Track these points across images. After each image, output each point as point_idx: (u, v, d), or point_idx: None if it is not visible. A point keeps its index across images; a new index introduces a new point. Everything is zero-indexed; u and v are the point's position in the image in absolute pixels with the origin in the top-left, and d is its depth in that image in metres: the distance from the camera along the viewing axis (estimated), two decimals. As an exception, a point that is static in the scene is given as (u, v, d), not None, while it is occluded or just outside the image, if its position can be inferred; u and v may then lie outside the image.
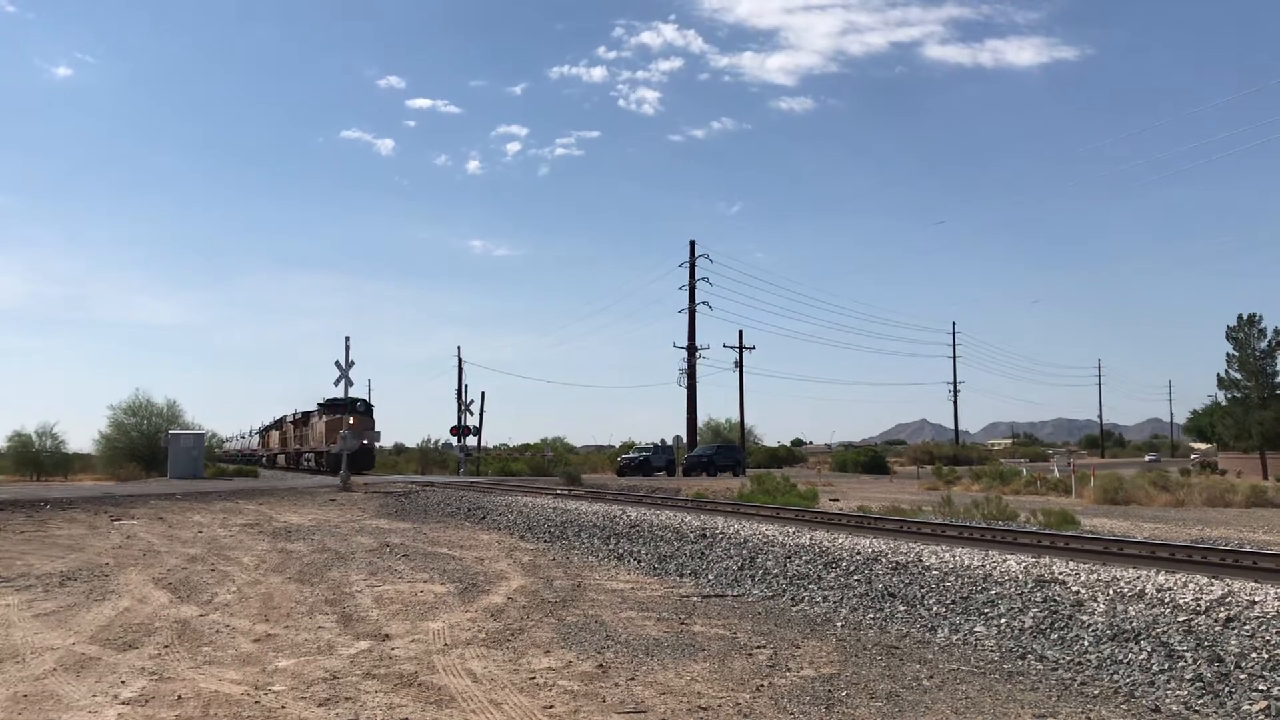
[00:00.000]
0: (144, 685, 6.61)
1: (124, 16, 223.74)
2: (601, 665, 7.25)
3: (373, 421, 51.33)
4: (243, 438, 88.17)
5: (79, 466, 45.93)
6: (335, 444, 47.34)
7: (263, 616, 9.26)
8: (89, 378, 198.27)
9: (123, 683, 6.70)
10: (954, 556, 11.00)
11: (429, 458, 65.76)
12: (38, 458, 43.90)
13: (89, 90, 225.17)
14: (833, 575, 10.91)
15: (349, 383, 33.94)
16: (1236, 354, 57.70)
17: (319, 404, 50.91)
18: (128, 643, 8.05)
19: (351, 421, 47.69)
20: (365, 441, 49.92)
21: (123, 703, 6.19)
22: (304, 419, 55.70)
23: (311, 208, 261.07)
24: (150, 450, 45.19)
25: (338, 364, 33.49)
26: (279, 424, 67.03)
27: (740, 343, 60.02)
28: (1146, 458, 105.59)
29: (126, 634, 8.41)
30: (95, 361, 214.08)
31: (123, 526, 18.98)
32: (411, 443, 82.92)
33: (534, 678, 6.85)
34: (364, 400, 51.24)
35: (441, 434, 70.09)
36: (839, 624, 9.12)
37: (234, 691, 6.44)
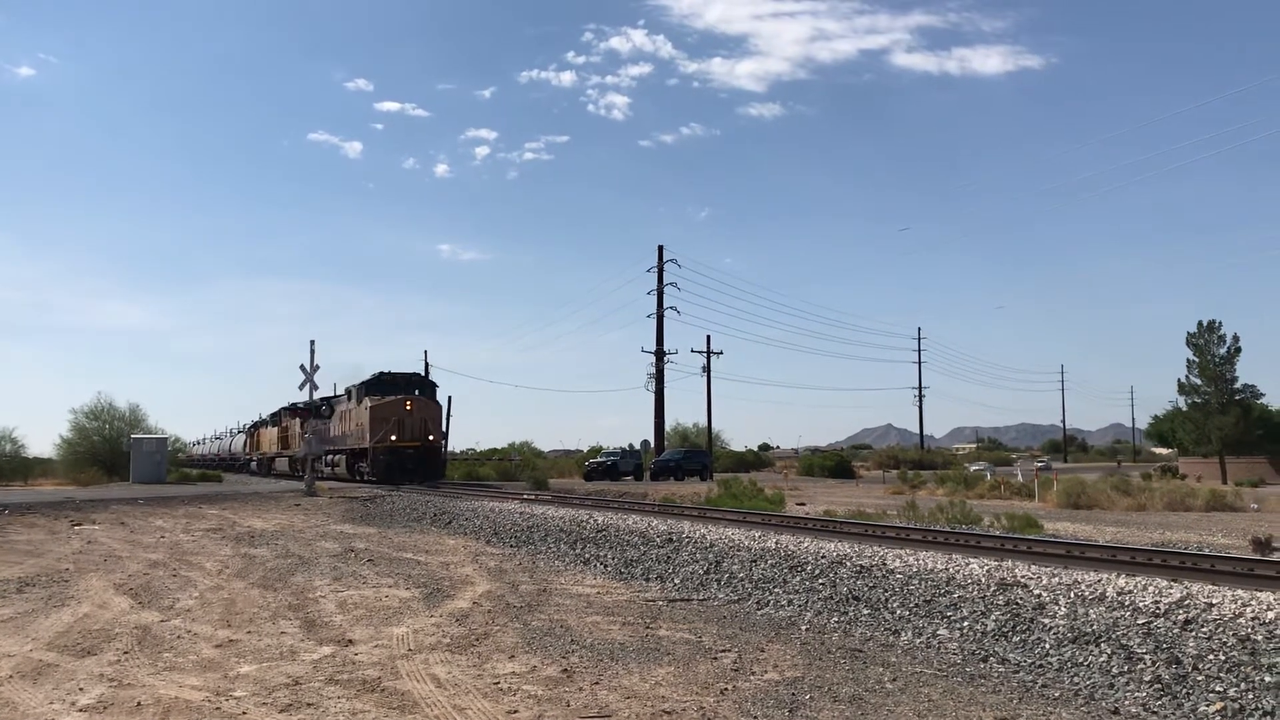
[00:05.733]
0: (102, 692, 6.53)
1: (88, 17, 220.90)
2: (566, 670, 7.24)
3: (439, 408, 38.33)
4: (216, 439, 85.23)
5: (39, 471, 45.11)
6: (400, 440, 35.45)
7: (225, 622, 9.17)
8: (50, 382, 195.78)
9: (81, 689, 6.60)
10: (918, 560, 11.09)
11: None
12: (-4, 462, 43.11)
13: (52, 91, 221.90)
14: (798, 579, 10.96)
15: (314, 386, 33.56)
16: (1197, 360, 58.72)
17: (355, 385, 38.51)
18: (87, 649, 7.94)
19: (409, 405, 36.11)
20: (431, 438, 36.80)
21: (80, 710, 6.10)
22: (317, 409, 41.35)
23: (278, 210, 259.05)
24: (112, 455, 44.60)
25: (303, 368, 33.15)
26: (277, 418, 53.30)
27: (708, 347, 60.19)
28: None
29: (85, 640, 8.29)
30: (57, 366, 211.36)
31: (83, 531, 18.70)
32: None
33: (498, 682, 6.82)
34: (424, 376, 39.39)
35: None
36: (804, 627, 9.17)
37: (194, 698, 6.36)
